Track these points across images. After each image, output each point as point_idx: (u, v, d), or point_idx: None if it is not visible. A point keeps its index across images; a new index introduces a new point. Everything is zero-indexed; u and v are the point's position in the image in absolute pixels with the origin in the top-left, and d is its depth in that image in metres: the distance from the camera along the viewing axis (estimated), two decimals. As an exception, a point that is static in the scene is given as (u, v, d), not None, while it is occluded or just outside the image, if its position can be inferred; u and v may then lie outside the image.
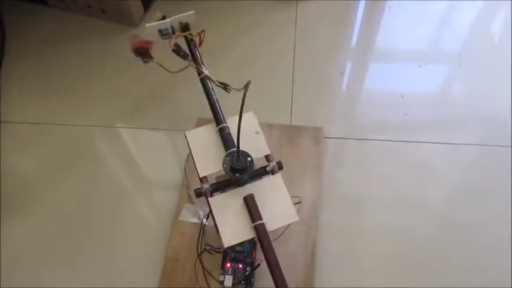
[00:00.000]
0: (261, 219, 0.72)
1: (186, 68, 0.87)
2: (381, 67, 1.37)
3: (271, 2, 1.48)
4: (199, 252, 0.92)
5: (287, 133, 1.15)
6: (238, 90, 0.72)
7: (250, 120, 0.85)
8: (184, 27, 0.91)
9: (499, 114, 1.23)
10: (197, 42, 0.91)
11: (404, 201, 1.08)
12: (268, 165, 0.79)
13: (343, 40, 1.42)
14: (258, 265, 0.92)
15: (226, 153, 0.79)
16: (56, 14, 1.48)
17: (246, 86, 0.69)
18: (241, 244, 0.95)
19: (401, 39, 1.41)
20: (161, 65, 0.88)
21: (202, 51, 0.91)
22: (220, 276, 0.92)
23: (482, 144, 1.17)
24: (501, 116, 1.23)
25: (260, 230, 0.71)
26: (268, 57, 1.36)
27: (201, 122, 1.18)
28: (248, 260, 0.93)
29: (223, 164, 0.78)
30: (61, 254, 1.04)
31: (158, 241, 1.02)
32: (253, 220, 0.72)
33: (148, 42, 0.89)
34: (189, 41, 0.90)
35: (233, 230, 0.73)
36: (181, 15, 0.88)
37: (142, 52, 0.90)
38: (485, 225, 1.04)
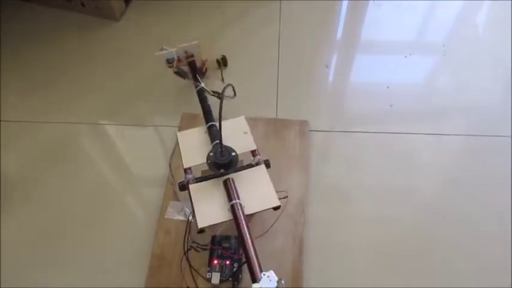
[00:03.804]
0: (238, 199, 0.72)
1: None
2: (366, 59, 1.37)
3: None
4: (185, 249, 0.91)
5: (273, 127, 1.14)
6: (230, 97, 0.80)
7: (240, 122, 0.89)
8: (189, 56, 1.13)
9: (483, 104, 1.24)
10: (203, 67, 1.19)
11: (392, 192, 1.08)
12: (253, 160, 0.79)
13: (328, 33, 1.41)
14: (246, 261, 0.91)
15: (211, 147, 0.78)
16: (34, 9, 1.45)
17: (223, 90, 0.74)
18: (228, 241, 0.93)
19: (386, 30, 1.41)
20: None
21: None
22: (208, 273, 0.91)
23: (467, 135, 1.17)
24: (486, 107, 1.23)
25: (235, 208, 0.71)
26: (253, 51, 1.34)
27: (185, 117, 1.16)
28: (235, 257, 0.91)
29: (207, 160, 0.77)
30: (47, 252, 1.01)
31: (145, 238, 1.00)
32: (229, 200, 0.72)
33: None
34: (190, 63, 1.14)
35: (209, 211, 0.73)
36: (186, 44, 1.11)
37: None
38: (472, 214, 1.05)
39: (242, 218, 0.71)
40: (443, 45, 1.36)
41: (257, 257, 0.72)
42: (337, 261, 0.99)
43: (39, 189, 1.11)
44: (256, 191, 0.75)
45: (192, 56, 1.14)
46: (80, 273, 0.99)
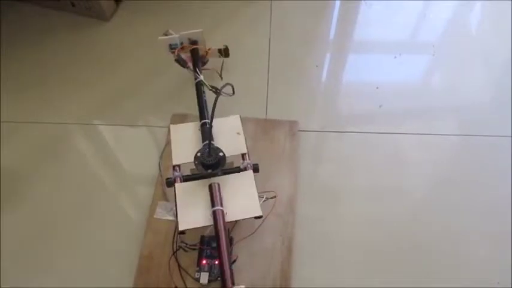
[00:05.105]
0: (221, 205, 0.72)
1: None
2: (356, 59, 1.37)
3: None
4: (174, 249, 0.91)
5: (262, 127, 1.14)
6: (229, 95, 0.79)
7: (234, 122, 0.89)
8: (193, 43, 1.08)
9: (474, 104, 1.24)
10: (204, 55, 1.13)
11: (382, 192, 1.08)
12: (242, 163, 0.79)
13: (318, 32, 1.41)
14: (234, 261, 0.92)
15: (198, 150, 0.79)
16: (24, 8, 1.44)
17: (221, 88, 0.76)
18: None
19: (376, 31, 1.41)
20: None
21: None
22: (196, 273, 0.91)
23: (457, 135, 1.18)
24: (476, 106, 1.24)
25: (217, 215, 0.71)
26: (243, 50, 1.34)
27: (175, 118, 1.16)
28: (224, 256, 0.92)
29: (194, 161, 0.77)
30: (36, 253, 1.01)
31: (135, 238, 1.00)
32: (212, 205, 0.72)
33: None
34: (193, 51, 1.08)
35: (191, 215, 0.73)
36: (190, 32, 1.07)
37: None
38: (463, 214, 1.05)
39: (222, 226, 0.71)
40: (433, 46, 1.36)
41: (231, 269, 0.72)
42: (327, 261, 0.99)
43: (30, 190, 1.10)
44: (240, 197, 0.75)
45: (196, 43, 1.09)
46: (69, 274, 0.98)
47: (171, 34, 1.07)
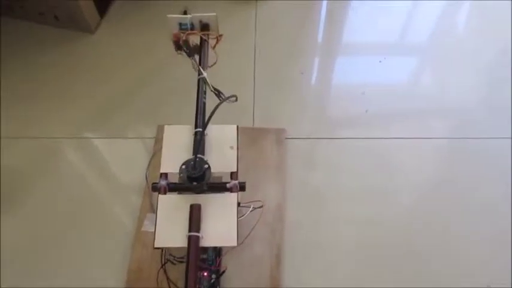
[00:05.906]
0: (198, 231, 0.71)
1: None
2: (343, 63, 1.38)
3: (229, 2, 1.47)
4: (162, 262, 0.90)
5: (249, 135, 1.14)
6: (231, 101, 0.77)
7: (230, 133, 0.85)
8: (204, 27, 0.93)
9: (462, 107, 1.25)
10: (212, 44, 0.95)
11: (372, 197, 1.09)
12: (229, 182, 0.78)
13: (304, 39, 1.42)
14: (223, 272, 0.91)
15: (183, 162, 0.78)
16: (7, 23, 1.43)
17: (226, 98, 0.75)
18: (205, 251, 0.93)
19: (361, 35, 1.42)
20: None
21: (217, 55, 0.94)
22: (185, 285, 0.90)
23: (445, 138, 1.19)
24: (464, 109, 1.25)
25: (192, 241, 0.70)
26: (228, 58, 1.33)
27: (161, 129, 1.16)
28: (213, 268, 0.91)
29: (179, 173, 0.77)
30: (26, 265, 1.01)
31: (126, 251, 1.00)
32: (189, 229, 0.71)
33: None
34: (203, 41, 0.93)
35: (169, 232, 0.72)
36: (203, 14, 0.92)
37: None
38: (451, 216, 1.06)
39: (194, 252, 0.70)
40: (421, 47, 1.37)
41: None
42: (318, 267, 0.99)
43: (22, 203, 1.10)
44: (219, 223, 0.73)
45: (207, 27, 0.95)
46: (65, 275, 0.99)
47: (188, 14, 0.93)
